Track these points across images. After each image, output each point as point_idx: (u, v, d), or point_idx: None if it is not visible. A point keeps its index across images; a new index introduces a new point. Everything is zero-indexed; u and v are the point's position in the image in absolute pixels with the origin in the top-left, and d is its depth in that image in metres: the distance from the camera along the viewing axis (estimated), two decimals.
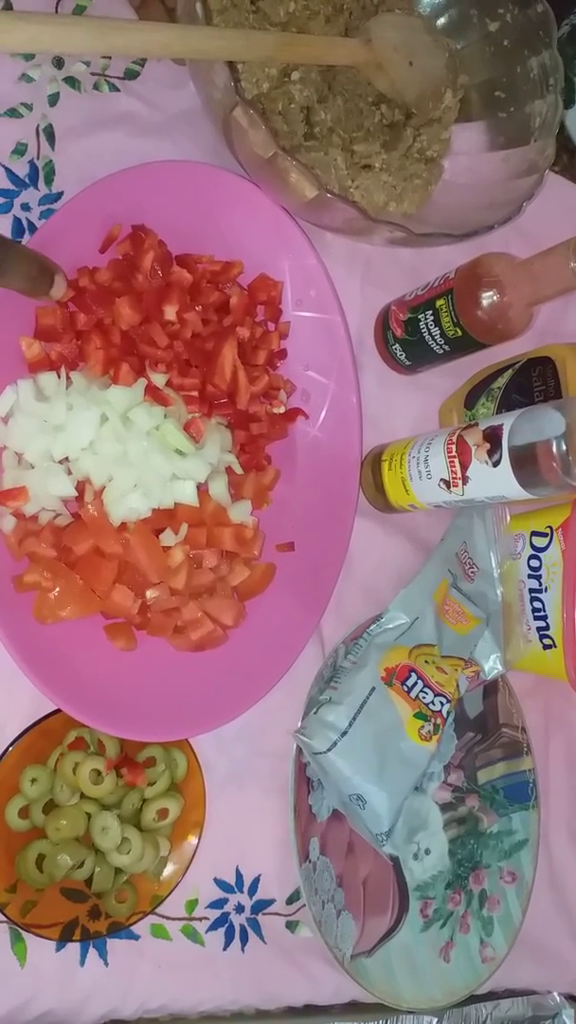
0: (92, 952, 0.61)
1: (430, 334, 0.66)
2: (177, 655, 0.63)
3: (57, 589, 0.58)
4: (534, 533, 0.69)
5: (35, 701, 0.60)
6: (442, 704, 0.64)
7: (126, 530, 0.59)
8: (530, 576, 0.69)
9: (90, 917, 0.60)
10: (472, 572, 0.71)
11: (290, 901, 0.67)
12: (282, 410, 0.68)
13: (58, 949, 0.60)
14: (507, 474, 0.57)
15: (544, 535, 0.69)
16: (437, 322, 0.65)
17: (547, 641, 0.68)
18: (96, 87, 0.68)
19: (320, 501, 0.68)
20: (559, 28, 0.69)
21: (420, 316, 0.66)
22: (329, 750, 0.60)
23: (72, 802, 0.59)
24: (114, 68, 0.68)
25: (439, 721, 0.64)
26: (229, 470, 0.64)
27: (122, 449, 0.58)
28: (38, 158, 0.66)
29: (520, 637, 0.70)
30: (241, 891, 0.66)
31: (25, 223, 0.65)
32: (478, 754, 0.74)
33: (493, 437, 0.57)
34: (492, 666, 0.70)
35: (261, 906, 0.66)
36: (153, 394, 0.60)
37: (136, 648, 0.61)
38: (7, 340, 0.59)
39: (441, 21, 0.73)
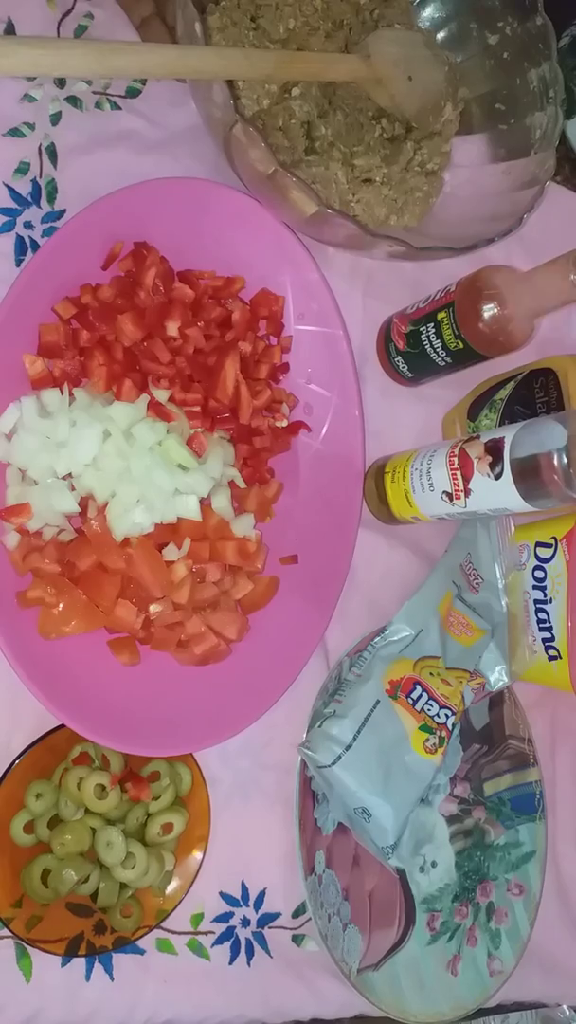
0: (98, 967, 0.61)
1: (432, 347, 0.66)
2: (181, 669, 0.63)
3: (61, 604, 0.58)
4: (538, 544, 0.69)
5: (39, 717, 0.60)
6: (447, 716, 0.64)
7: (129, 545, 0.59)
8: (535, 587, 0.69)
9: (95, 932, 0.60)
10: (477, 583, 0.71)
11: (296, 915, 0.66)
12: (284, 423, 0.68)
13: (64, 964, 0.60)
14: (509, 487, 0.57)
15: (548, 546, 0.69)
16: (439, 335, 0.65)
17: (552, 652, 0.68)
18: (98, 105, 0.68)
19: (323, 514, 0.69)
20: (559, 40, 0.70)
21: (422, 329, 0.66)
22: (334, 763, 0.60)
23: (77, 817, 0.59)
24: (115, 87, 0.69)
25: (444, 734, 0.64)
26: (232, 484, 0.64)
27: (125, 465, 0.59)
28: (40, 177, 0.66)
29: (525, 648, 0.70)
30: (247, 905, 0.66)
31: (28, 241, 0.65)
32: (484, 766, 0.73)
33: (495, 450, 0.58)
34: (497, 678, 0.70)
35: (267, 920, 0.66)
36: (156, 410, 0.60)
37: (140, 663, 0.62)
38: (10, 357, 0.60)
39: (441, 35, 0.73)
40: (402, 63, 0.68)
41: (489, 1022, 0.73)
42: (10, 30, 0.66)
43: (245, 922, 0.65)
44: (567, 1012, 0.77)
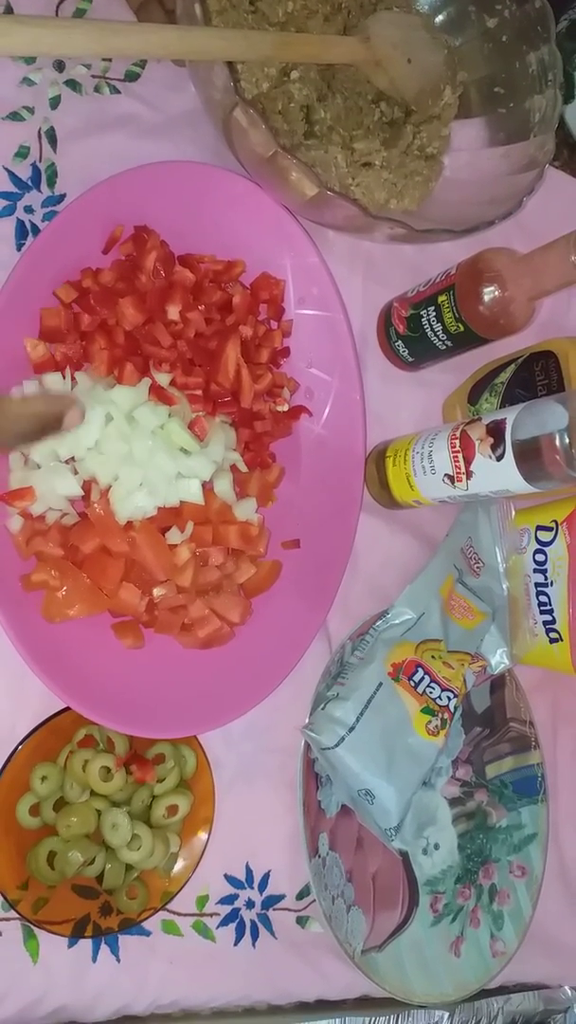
0: (104, 948, 0.62)
1: (432, 330, 0.66)
2: (184, 652, 0.63)
3: (65, 588, 0.58)
4: (539, 527, 0.70)
5: (44, 699, 0.60)
6: (449, 699, 0.64)
7: (132, 528, 0.59)
8: (535, 570, 0.69)
9: (101, 914, 0.60)
10: (478, 567, 0.71)
11: (300, 897, 0.67)
12: (286, 408, 0.68)
13: (70, 946, 0.61)
14: (511, 468, 0.57)
15: (549, 529, 0.69)
16: (439, 318, 0.65)
17: (553, 635, 0.68)
18: (97, 89, 0.68)
19: (325, 498, 0.69)
20: (557, 23, 0.70)
21: (422, 312, 0.66)
22: (337, 745, 0.60)
23: (82, 799, 0.59)
24: (115, 70, 0.69)
25: (446, 716, 0.64)
26: (234, 468, 0.64)
27: (127, 448, 0.59)
28: (40, 161, 0.66)
29: (526, 631, 0.70)
30: (251, 887, 0.66)
31: (28, 225, 0.65)
32: (486, 749, 0.74)
33: (496, 431, 0.58)
34: (499, 660, 0.70)
35: (271, 902, 0.66)
36: (157, 393, 0.60)
37: (144, 646, 0.62)
38: (12, 342, 0.60)
39: (439, 18, 0.73)
40: (401, 45, 0.68)
41: (492, 1003, 0.74)
42: (8, 11, 0.66)
43: (250, 904, 0.66)
44: (569, 993, 0.77)
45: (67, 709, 0.60)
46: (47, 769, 0.59)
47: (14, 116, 0.66)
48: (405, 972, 0.66)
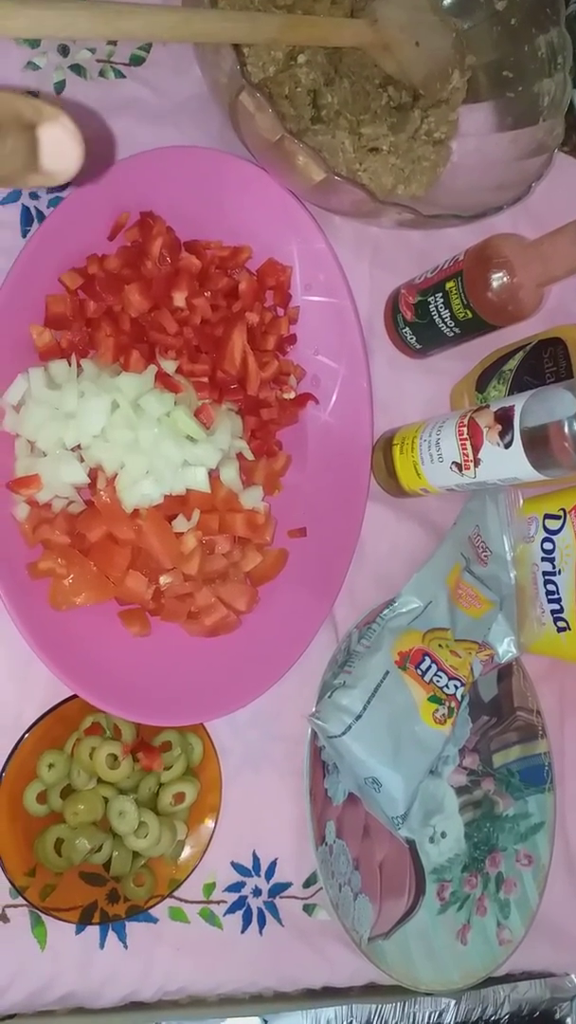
0: (111, 935, 0.62)
1: (440, 317, 0.66)
2: (191, 640, 0.63)
3: (71, 576, 0.58)
4: (547, 516, 0.69)
5: (51, 687, 0.60)
6: (456, 687, 0.64)
7: (139, 516, 0.59)
8: (543, 559, 0.69)
9: (109, 901, 0.60)
10: (485, 556, 0.71)
11: (307, 884, 0.67)
12: (292, 395, 0.68)
13: (78, 932, 0.61)
14: (519, 455, 0.57)
15: (557, 518, 0.69)
16: (447, 304, 0.65)
17: (561, 624, 0.68)
18: (102, 74, 0.68)
19: (331, 486, 0.68)
20: (567, 5, 0.69)
21: (430, 299, 0.66)
22: (344, 733, 0.60)
23: (89, 787, 0.59)
24: (119, 54, 0.68)
25: (453, 704, 0.64)
26: (240, 456, 0.64)
27: (133, 436, 0.58)
28: None
29: (534, 620, 0.70)
30: (258, 874, 0.66)
31: (34, 212, 0.65)
32: (493, 737, 0.74)
33: (504, 418, 0.57)
34: (506, 649, 0.70)
35: (278, 889, 0.66)
36: (163, 381, 0.60)
37: (150, 634, 0.62)
38: (18, 328, 0.59)
39: (447, 1, 0.72)
40: (409, 28, 0.67)
41: (498, 991, 0.74)
42: None
43: (257, 892, 0.66)
44: (575, 981, 0.77)
45: (74, 697, 0.60)
46: (54, 756, 0.59)
47: None
48: (412, 960, 0.66)
